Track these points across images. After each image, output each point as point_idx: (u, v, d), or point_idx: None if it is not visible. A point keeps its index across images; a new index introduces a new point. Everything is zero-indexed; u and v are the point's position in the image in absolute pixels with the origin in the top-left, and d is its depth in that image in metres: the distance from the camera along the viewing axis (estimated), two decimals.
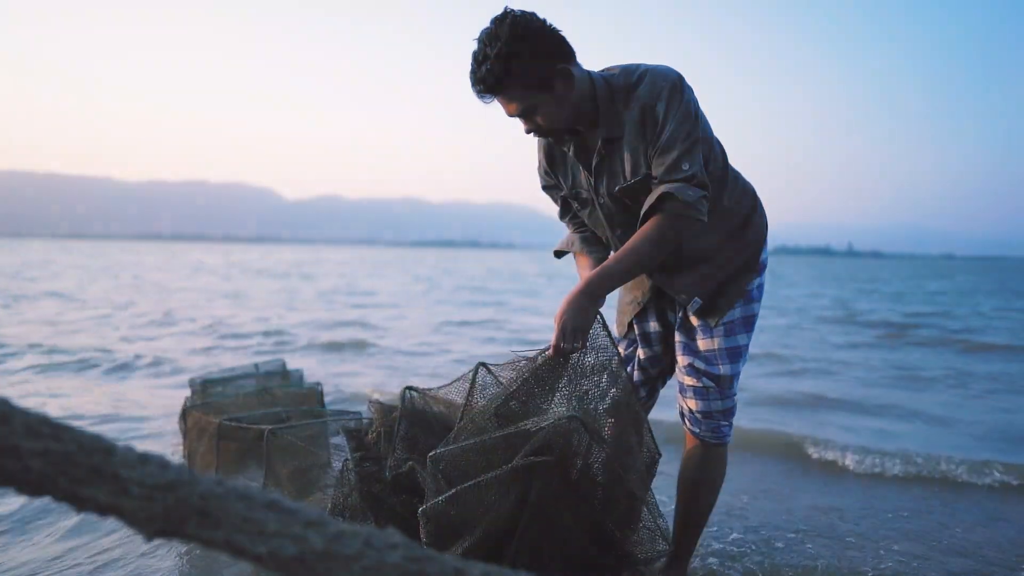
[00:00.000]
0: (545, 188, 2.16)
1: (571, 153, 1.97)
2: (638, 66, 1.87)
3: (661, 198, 1.78)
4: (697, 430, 2.10)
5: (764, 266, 2.09)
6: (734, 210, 2.02)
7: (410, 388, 2.13)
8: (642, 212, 1.84)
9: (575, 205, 2.12)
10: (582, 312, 1.77)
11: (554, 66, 1.74)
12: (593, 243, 2.18)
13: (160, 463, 0.64)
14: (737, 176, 2.06)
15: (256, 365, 4.03)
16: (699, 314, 2.02)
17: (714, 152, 1.95)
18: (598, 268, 1.82)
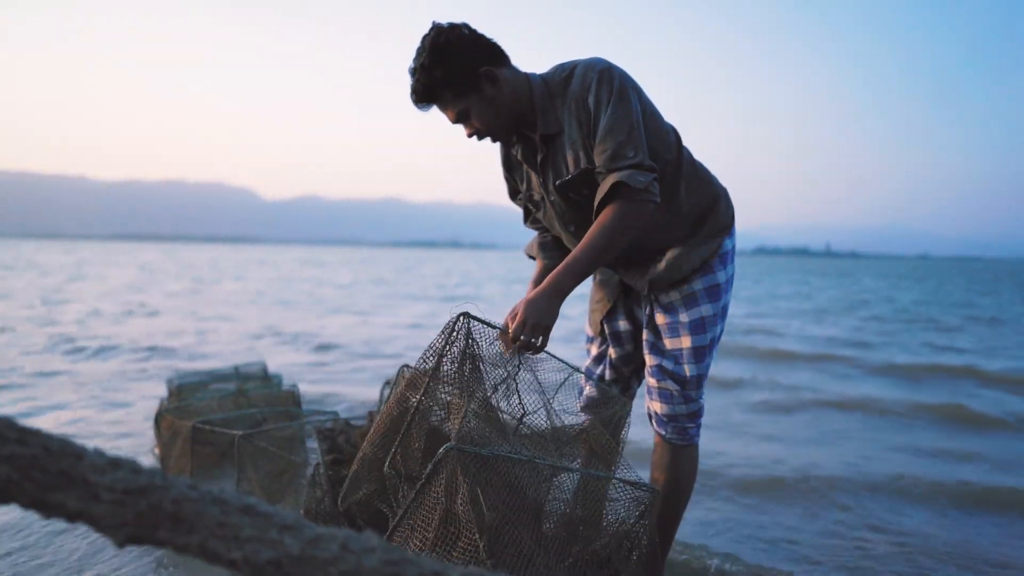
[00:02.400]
0: (510, 194, 2.19)
1: (519, 156, 2.01)
2: (571, 61, 1.91)
3: (613, 187, 1.79)
4: (664, 432, 2.10)
5: (730, 254, 2.10)
6: (693, 200, 2.02)
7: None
8: (595, 204, 1.84)
9: (531, 208, 2.15)
10: (546, 309, 1.75)
11: (477, 69, 1.80)
12: (548, 248, 2.21)
13: (132, 467, 0.63)
14: (695, 164, 2.06)
15: (236, 367, 3.98)
16: (657, 280, 2.02)
17: (666, 140, 1.96)
18: (560, 264, 1.82)
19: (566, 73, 1.89)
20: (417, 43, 1.83)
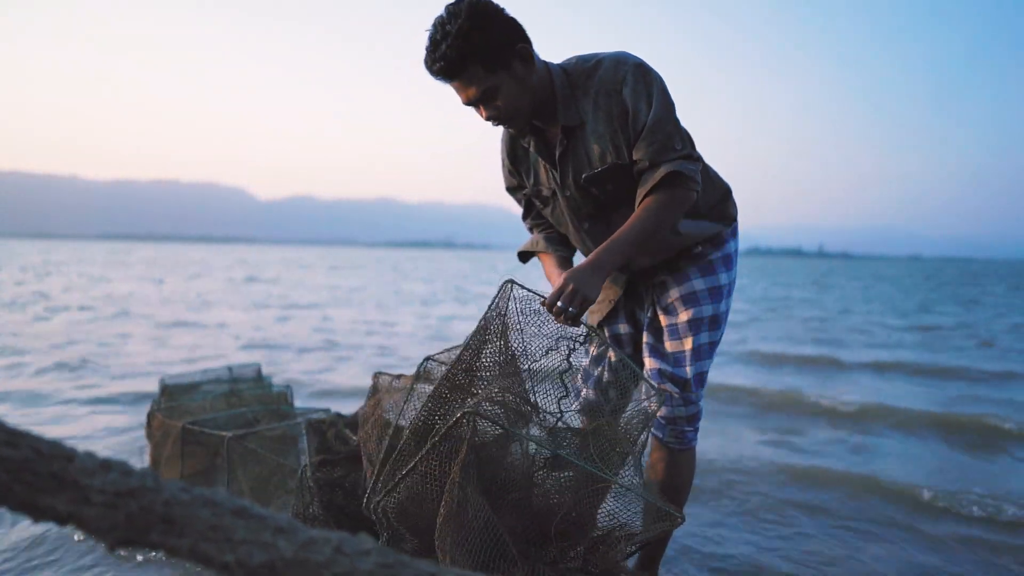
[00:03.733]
0: (509, 189, 2.14)
1: (532, 149, 1.96)
2: (595, 54, 1.87)
3: (666, 177, 1.79)
4: (662, 435, 2.08)
5: (733, 257, 2.09)
6: (706, 197, 2.03)
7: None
8: (643, 192, 1.82)
9: (538, 204, 2.10)
10: (589, 281, 1.73)
11: (514, 45, 1.72)
12: (558, 242, 2.16)
13: (123, 469, 0.62)
14: (706, 166, 2.06)
15: (230, 368, 3.95)
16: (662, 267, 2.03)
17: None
18: (605, 243, 1.79)
19: (590, 65, 1.83)
20: (446, 8, 1.68)
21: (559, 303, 1.71)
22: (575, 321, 1.76)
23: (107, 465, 0.61)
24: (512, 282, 1.79)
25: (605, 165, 1.85)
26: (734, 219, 2.09)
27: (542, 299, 1.78)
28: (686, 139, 1.83)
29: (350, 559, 0.60)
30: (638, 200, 1.84)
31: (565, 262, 2.11)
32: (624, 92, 1.78)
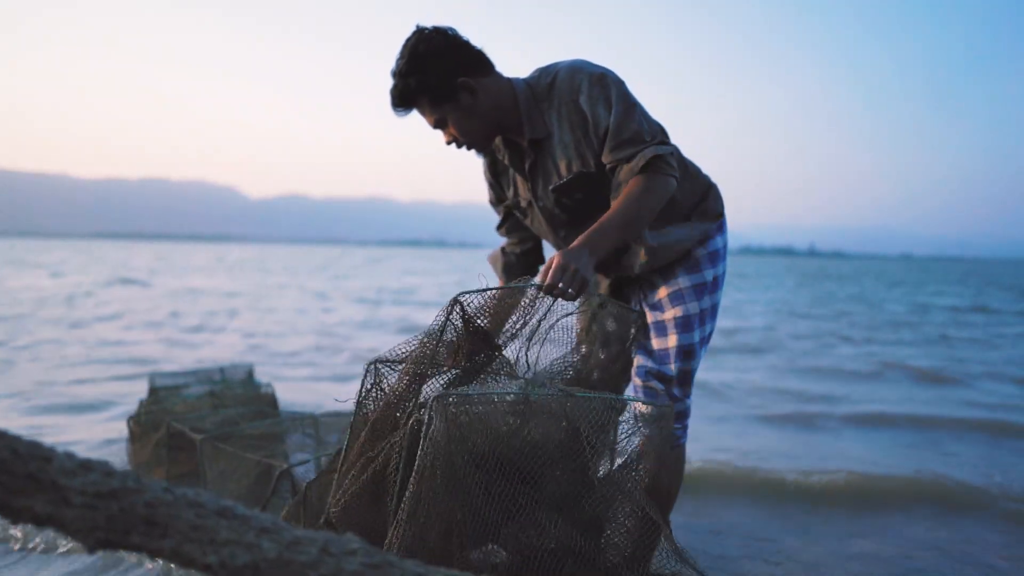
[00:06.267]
0: (491, 202, 2.21)
1: (506, 160, 2.02)
2: (554, 64, 1.93)
3: (647, 164, 1.80)
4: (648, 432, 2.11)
5: (720, 252, 2.11)
6: (687, 194, 2.05)
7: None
8: (622, 179, 1.84)
9: (518, 215, 2.15)
10: (587, 263, 1.70)
11: (455, 79, 1.81)
12: (513, 270, 2.24)
13: (104, 470, 0.61)
14: (684, 159, 2.09)
15: (222, 368, 3.91)
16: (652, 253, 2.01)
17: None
18: (594, 224, 1.79)
19: (550, 78, 1.90)
20: (401, 45, 1.82)
21: (560, 284, 1.65)
22: (578, 292, 1.70)
23: (88, 465, 0.60)
24: (457, 301, 1.58)
25: (571, 174, 1.90)
26: (720, 214, 2.11)
27: (534, 285, 1.68)
28: (656, 130, 1.86)
29: (336, 559, 0.59)
30: (612, 193, 1.87)
31: None
32: (580, 100, 1.84)
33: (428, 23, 1.86)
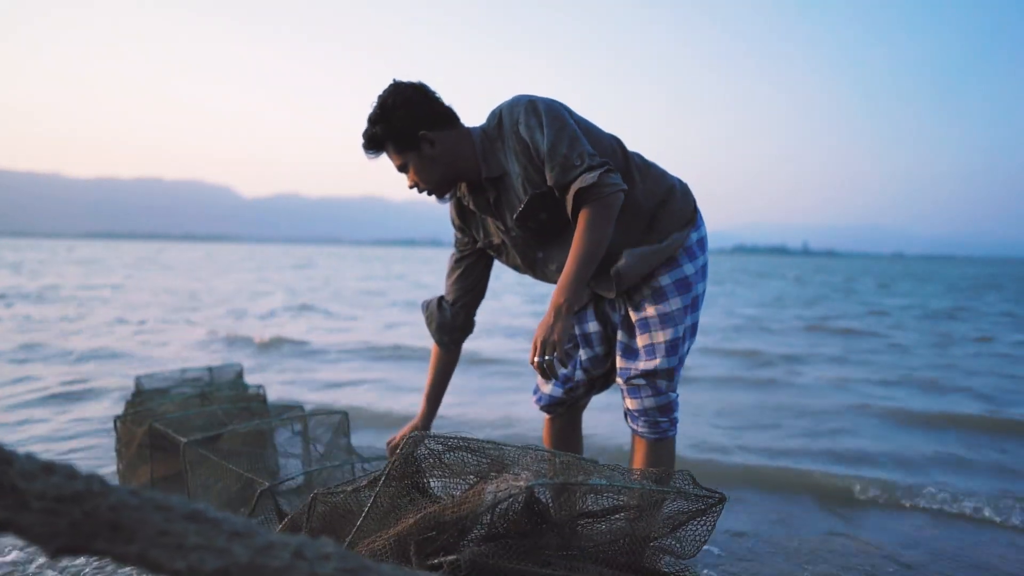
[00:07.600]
0: (458, 244, 2.29)
1: (471, 206, 2.13)
2: (497, 107, 2.05)
3: (577, 195, 1.89)
4: (636, 427, 2.12)
5: (695, 246, 2.13)
6: (648, 197, 2.09)
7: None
8: (569, 214, 1.95)
9: (492, 254, 2.25)
10: (554, 327, 1.85)
11: (417, 131, 1.97)
12: (448, 331, 2.31)
13: (67, 473, 0.59)
14: (648, 165, 2.13)
15: (210, 368, 3.87)
16: (624, 276, 2.06)
17: (608, 149, 2.04)
18: (559, 282, 1.90)
19: (496, 119, 2.03)
20: (379, 90, 2.00)
21: (536, 359, 1.85)
22: (551, 369, 1.85)
23: (50, 468, 0.58)
24: (418, 439, 1.40)
25: (527, 196, 1.99)
26: (690, 220, 2.13)
27: (474, 442, 1.43)
28: (583, 153, 1.91)
29: (309, 563, 0.57)
30: (571, 223, 1.97)
31: (442, 369, 2.36)
32: (520, 130, 1.96)
33: (405, 79, 2.01)
